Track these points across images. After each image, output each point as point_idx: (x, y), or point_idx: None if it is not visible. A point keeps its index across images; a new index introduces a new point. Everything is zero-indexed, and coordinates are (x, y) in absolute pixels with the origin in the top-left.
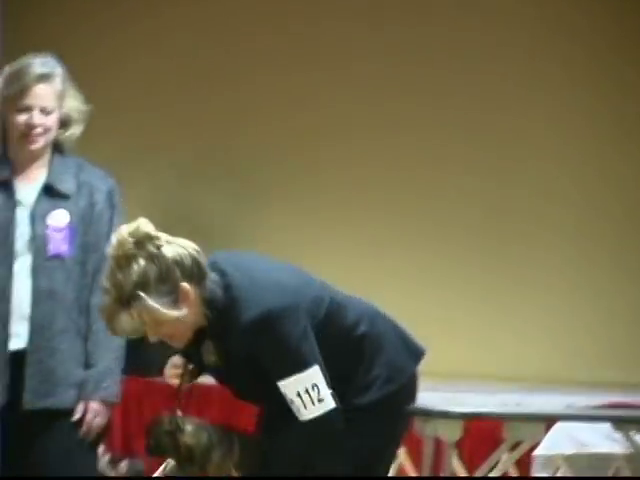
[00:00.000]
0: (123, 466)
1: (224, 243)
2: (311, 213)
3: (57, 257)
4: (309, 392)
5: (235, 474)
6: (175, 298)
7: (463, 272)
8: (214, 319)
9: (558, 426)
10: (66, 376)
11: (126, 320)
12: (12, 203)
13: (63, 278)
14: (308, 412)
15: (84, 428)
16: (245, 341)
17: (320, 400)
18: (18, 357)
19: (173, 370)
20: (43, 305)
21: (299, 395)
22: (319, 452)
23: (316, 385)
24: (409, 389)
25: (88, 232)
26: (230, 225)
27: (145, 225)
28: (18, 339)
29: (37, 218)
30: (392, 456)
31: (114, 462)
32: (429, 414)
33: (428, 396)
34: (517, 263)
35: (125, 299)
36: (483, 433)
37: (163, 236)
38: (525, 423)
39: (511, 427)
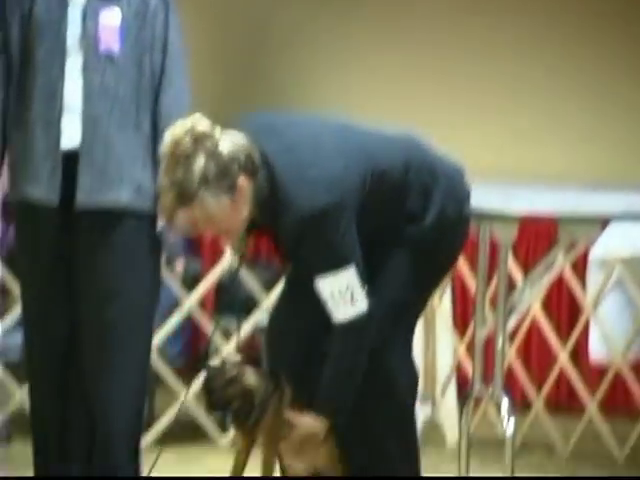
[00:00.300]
0: (179, 264)
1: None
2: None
3: (108, 55)
4: (344, 292)
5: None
6: (232, 193)
7: (517, 70)
8: (263, 214)
9: (615, 227)
10: (121, 174)
11: (186, 217)
12: (64, 1)
13: (116, 76)
14: (342, 313)
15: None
16: (291, 235)
17: (354, 301)
18: (71, 156)
19: None
20: (95, 102)
21: (333, 295)
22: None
23: (351, 286)
24: (460, 231)
25: (142, 31)
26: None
27: (200, 122)
28: (71, 138)
29: (88, 15)
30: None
31: (170, 261)
32: (484, 216)
33: (483, 197)
34: (569, 64)
35: (185, 197)
36: (538, 234)
37: (218, 132)
38: (581, 224)
39: (567, 228)
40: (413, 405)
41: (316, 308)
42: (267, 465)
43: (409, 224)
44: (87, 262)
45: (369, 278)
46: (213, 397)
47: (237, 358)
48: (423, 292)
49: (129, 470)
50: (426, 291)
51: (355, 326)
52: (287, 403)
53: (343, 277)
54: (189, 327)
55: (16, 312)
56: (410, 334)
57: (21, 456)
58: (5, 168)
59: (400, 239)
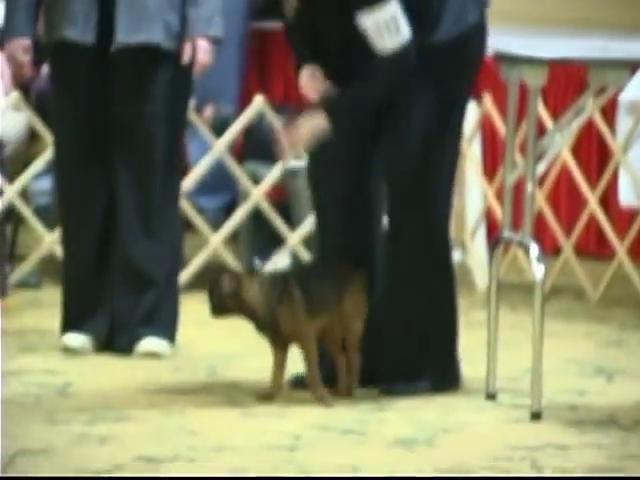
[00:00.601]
0: (209, 110)
1: None
2: None
3: None
4: (388, 24)
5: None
6: None
7: None
8: None
9: None
10: (154, 14)
11: None
12: None
13: None
14: (386, 43)
15: (188, 64)
16: None
17: (397, 31)
18: None
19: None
20: None
21: (379, 27)
22: (394, 88)
23: (394, 17)
24: (477, 39)
25: None
26: None
27: None
28: None
29: None
30: (465, 105)
31: (199, 109)
32: (514, 59)
33: (513, 41)
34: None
35: None
36: (568, 78)
37: None
38: (611, 68)
39: (596, 72)
40: (447, 228)
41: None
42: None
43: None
44: (122, 102)
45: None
46: (214, 304)
47: (238, 270)
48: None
49: (169, 302)
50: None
51: (398, 56)
52: (299, 306)
53: (387, 9)
54: (230, 187)
55: (45, 157)
56: (454, 165)
57: (50, 300)
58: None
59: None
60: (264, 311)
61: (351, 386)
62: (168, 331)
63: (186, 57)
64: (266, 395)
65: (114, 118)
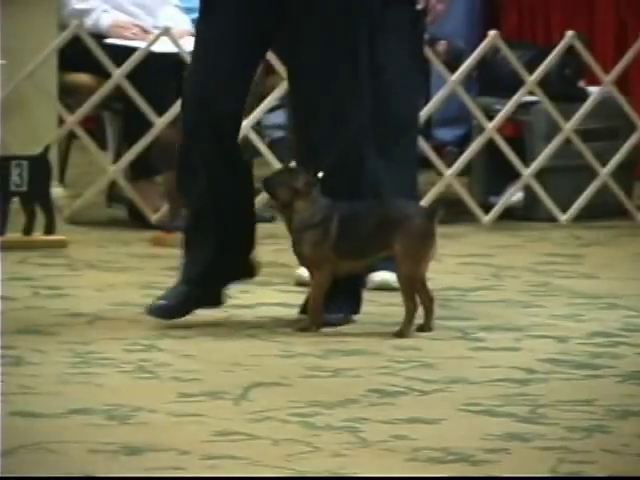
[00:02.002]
0: (442, 45)
1: None
2: None
3: None
4: None
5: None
6: None
7: None
8: None
9: None
10: None
11: None
12: None
13: None
14: None
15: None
16: None
17: None
18: None
19: None
20: None
21: None
22: None
23: None
24: None
25: None
26: None
27: None
28: None
29: None
30: None
31: (432, 42)
32: None
33: None
34: None
35: None
36: None
37: None
38: None
39: None
40: None
41: None
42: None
43: None
44: None
45: None
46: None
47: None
48: None
49: None
50: None
51: None
52: (328, 241)
53: None
54: (466, 121)
55: (279, 91)
56: None
57: (285, 234)
58: None
59: None
60: (297, 228)
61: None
62: None
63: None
64: (302, 327)
65: None
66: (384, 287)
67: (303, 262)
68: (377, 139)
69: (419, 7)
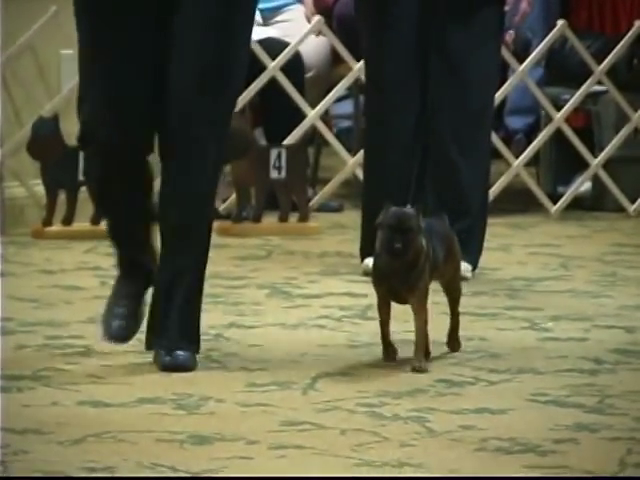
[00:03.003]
0: (509, 35)
1: None
2: None
3: None
4: None
5: None
6: None
7: None
8: None
9: None
10: None
11: None
12: None
13: None
14: None
15: None
16: None
17: None
18: None
19: None
20: None
21: None
22: None
23: None
24: None
25: None
26: None
27: None
28: None
29: None
30: None
31: None
32: None
33: None
34: None
35: None
36: None
37: None
38: None
39: None
40: None
41: None
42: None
43: None
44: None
45: None
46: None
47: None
48: None
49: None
50: None
51: None
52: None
53: None
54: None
55: (347, 81)
56: None
57: (352, 224)
58: None
59: None
60: (411, 259)
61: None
62: (473, 256)
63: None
64: (418, 368)
65: None
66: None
67: (411, 297)
68: (456, 134)
69: (507, 8)
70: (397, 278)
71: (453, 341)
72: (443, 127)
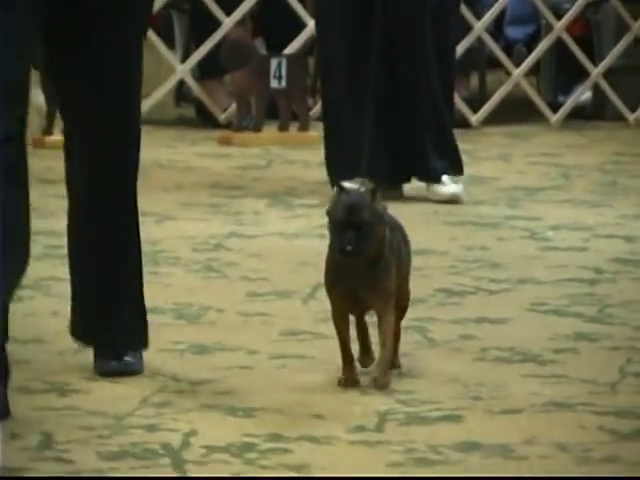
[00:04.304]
0: None
1: None
2: None
3: None
4: None
5: None
6: None
7: None
8: None
9: None
10: None
11: None
12: None
13: None
14: None
15: None
16: None
17: None
18: None
19: None
20: None
21: None
22: None
23: None
24: None
25: None
26: None
27: None
28: None
29: None
30: None
31: None
32: None
33: None
34: None
35: None
36: None
37: None
38: None
39: None
40: None
41: None
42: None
43: None
44: None
45: None
46: None
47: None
48: None
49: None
50: None
51: None
52: None
53: None
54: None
55: None
56: None
57: None
58: None
59: None
60: (375, 257)
61: None
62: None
63: None
64: (382, 384)
65: None
66: (454, 201)
67: (376, 300)
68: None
69: None
70: (356, 279)
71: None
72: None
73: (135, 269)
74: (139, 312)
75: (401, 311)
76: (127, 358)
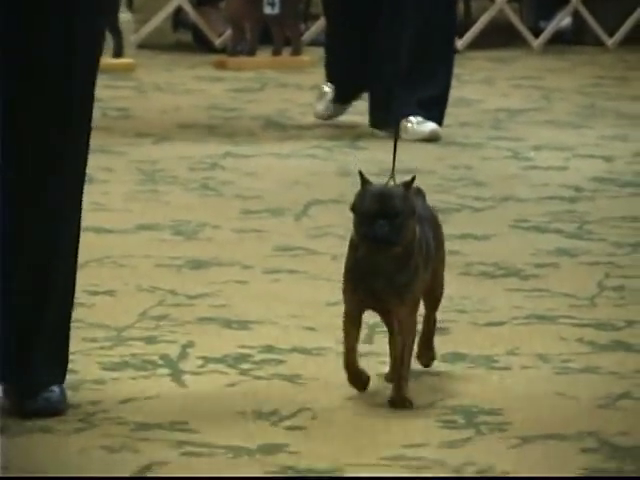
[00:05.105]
0: None
1: None
2: None
3: None
4: None
5: None
6: None
7: None
8: None
9: None
10: None
11: None
12: None
13: None
14: None
15: None
16: None
17: None
18: None
19: None
20: None
21: None
22: None
23: None
24: None
25: None
26: None
27: None
28: None
29: None
30: None
31: None
32: None
33: None
34: None
35: None
36: None
37: None
38: None
39: None
40: None
41: None
42: None
43: None
44: None
45: None
46: None
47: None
48: None
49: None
50: None
51: None
52: None
53: None
54: None
55: None
56: None
57: None
58: None
59: None
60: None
61: None
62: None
63: None
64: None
65: None
66: (434, 138)
67: (399, 305)
68: None
69: None
70: (381, 279)
71: (427, 351)
72: None
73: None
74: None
75: (435, 301)
76: (52, 393)
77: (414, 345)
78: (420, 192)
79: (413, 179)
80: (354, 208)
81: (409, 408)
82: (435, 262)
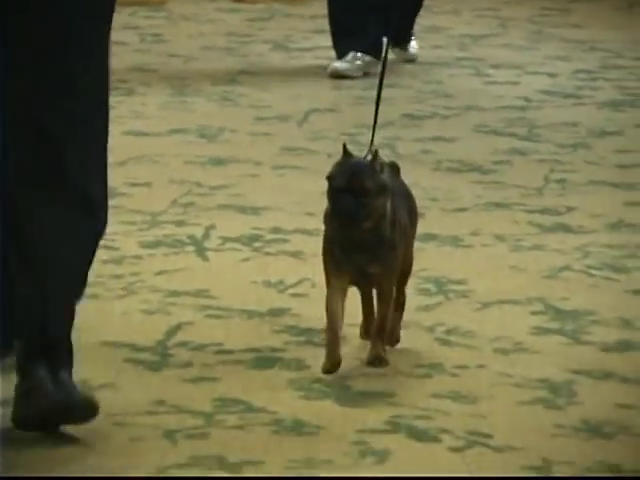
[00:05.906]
0: None
1: None
2: None
3: None
4: None
5: None
6: None
7: None
8: None
9: None
10: None
11: None
12: None
13: None
14: None
15: None
16: None
17: None
18: None
19: None
20: None
21: None
22: None
23: None
24: None
25: None
26: None
27: None
28: None
29: None
30: None
31: None
32: None
33: None
34: None
35: None
36: None
37: None
38: None
39: None
40: None
41: None
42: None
43: None
44: None
45: None
46: None
47: None
48: None
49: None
50: None
51: None
52: None
53: None
54: None
55: None
56: None
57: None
58: None
59: None
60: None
61: None
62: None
63: None
64: (378, 360)
65: None
66: (336, 75)
67: (382, 277)
68: None
69: None
70: (364, 255)
71: (392, 330)
72: None
73: None
74: None
75: (404, 277)
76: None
77: (399, 303)
78: (395, 166)
79: (376, 153)
80: (329, 179)
81: (385, 366)
82: (408, 237)
